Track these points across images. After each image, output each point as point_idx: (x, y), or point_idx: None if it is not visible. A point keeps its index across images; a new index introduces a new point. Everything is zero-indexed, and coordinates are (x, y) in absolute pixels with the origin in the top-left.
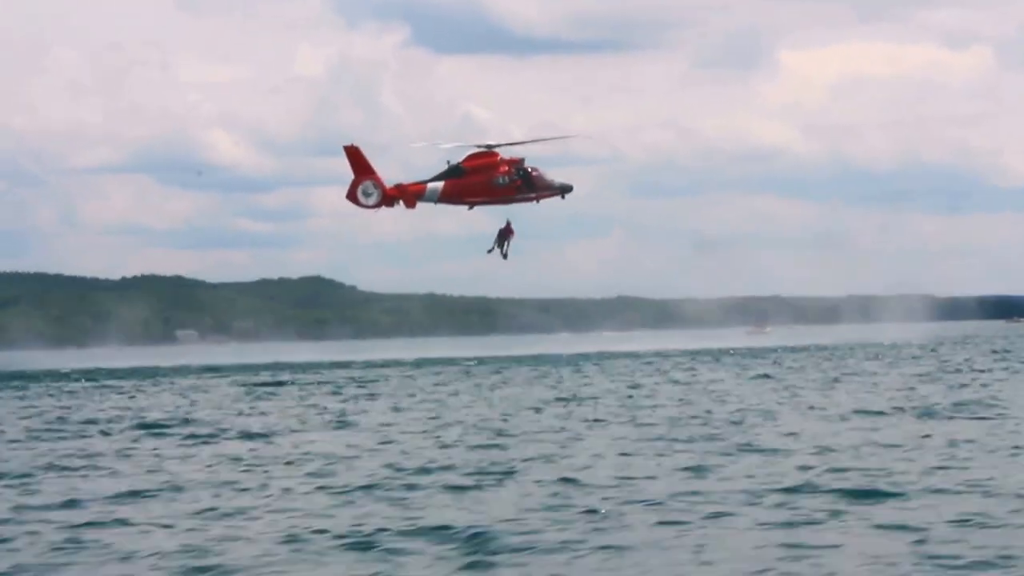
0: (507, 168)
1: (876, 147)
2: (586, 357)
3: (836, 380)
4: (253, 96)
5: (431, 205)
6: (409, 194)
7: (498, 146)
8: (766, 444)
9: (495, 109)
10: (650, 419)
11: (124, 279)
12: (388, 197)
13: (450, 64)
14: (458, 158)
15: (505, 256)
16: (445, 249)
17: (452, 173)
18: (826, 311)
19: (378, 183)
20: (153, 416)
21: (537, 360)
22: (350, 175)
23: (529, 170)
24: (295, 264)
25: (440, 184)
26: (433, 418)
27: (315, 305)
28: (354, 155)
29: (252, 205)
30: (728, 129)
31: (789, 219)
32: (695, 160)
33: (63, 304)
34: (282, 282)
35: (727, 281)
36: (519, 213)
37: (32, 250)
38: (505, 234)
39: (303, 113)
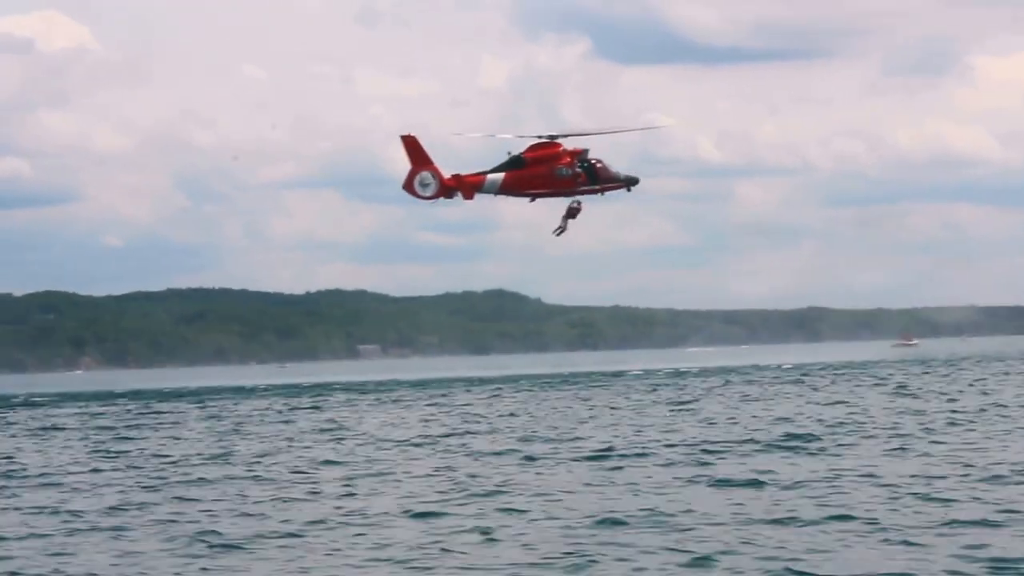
0: (569, 159)
1: None
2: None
3: None
4: (436, 108)
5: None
6: (467, 185)
7: (562, 136)
8: None
9: (680, 119)
10: None
11: (308, 294)
12: (446, 188)
13: (634, 75)
14: (519, 149)
15: (561, 232)
16: (631, 261)
17: (513, 164)
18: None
19: (436, 174)
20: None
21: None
22: None
23: (593, 161)
24: (480, 277)
25: (500, 175)
26: None
27: (499, 318)
28: (411, 145)
29: (436, 219)
30: (920, 137)
31: (984, 227)
32: (886, 169)
33: (248, 319)
34: (466, 296)
35: (919, 291)
36: (707, 220)
37: (218, 266)
38: (573, 212)
39: (486, 125)
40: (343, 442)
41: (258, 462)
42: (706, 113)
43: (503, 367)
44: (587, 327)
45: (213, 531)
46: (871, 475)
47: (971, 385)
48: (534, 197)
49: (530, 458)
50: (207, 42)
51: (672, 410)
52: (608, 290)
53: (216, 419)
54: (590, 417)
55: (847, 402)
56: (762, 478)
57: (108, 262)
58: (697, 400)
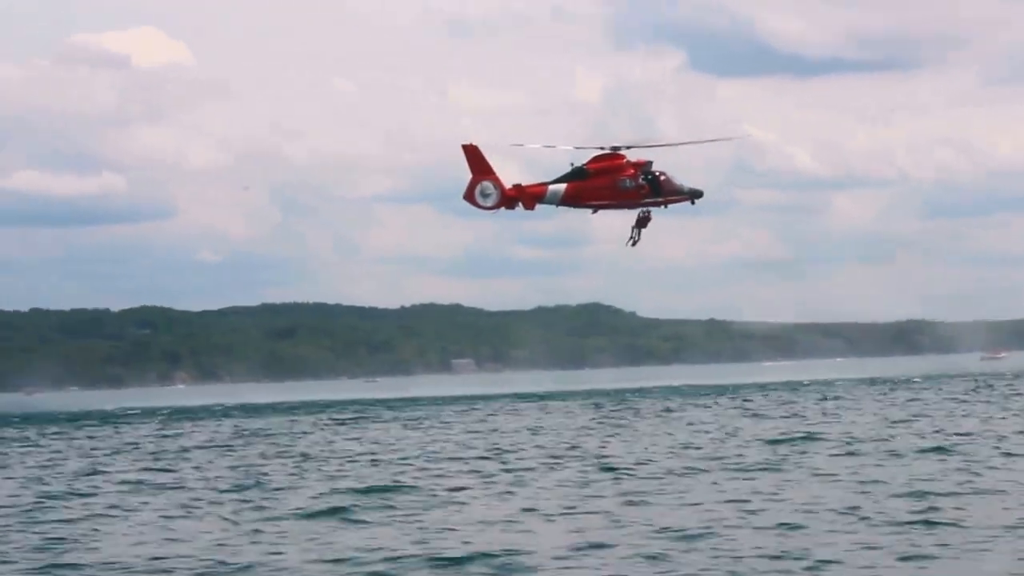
0: (633, 171)
1: None
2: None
3: None
4: (529, 121)
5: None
6: (528, 196)
7: (626, 148)
8: None
9: (775, 131)
10: None
11: (403, 308)
12: (507, 198)
13: (728, 87)
14: (583, 160)
15: (634, 243)
16: (726, 273)
17: (575, 175)
18: None
19: (497, 184)
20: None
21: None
22: None
23: (657, 174)
24: (574, 291)
25: (562, 186)
26: None
27: (592, 332)
28: (473, 154)
29: (530, 232)
30: (1018, 147)
31: None
32: (982, 179)
33: (340, 334)
34: (559, 309)
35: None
36: (802, 232)
37: (311, 280)
38: (643, 222)
39: (579, 138)
40: None
41: None
42: (801, 125)
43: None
44: (680, 340)
45: None
46: None
47: None
48: (596, 209)
49: None
50: (300, 57)
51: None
52: (703, 303)
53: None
54: None
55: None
56: None
57: (202, 277)
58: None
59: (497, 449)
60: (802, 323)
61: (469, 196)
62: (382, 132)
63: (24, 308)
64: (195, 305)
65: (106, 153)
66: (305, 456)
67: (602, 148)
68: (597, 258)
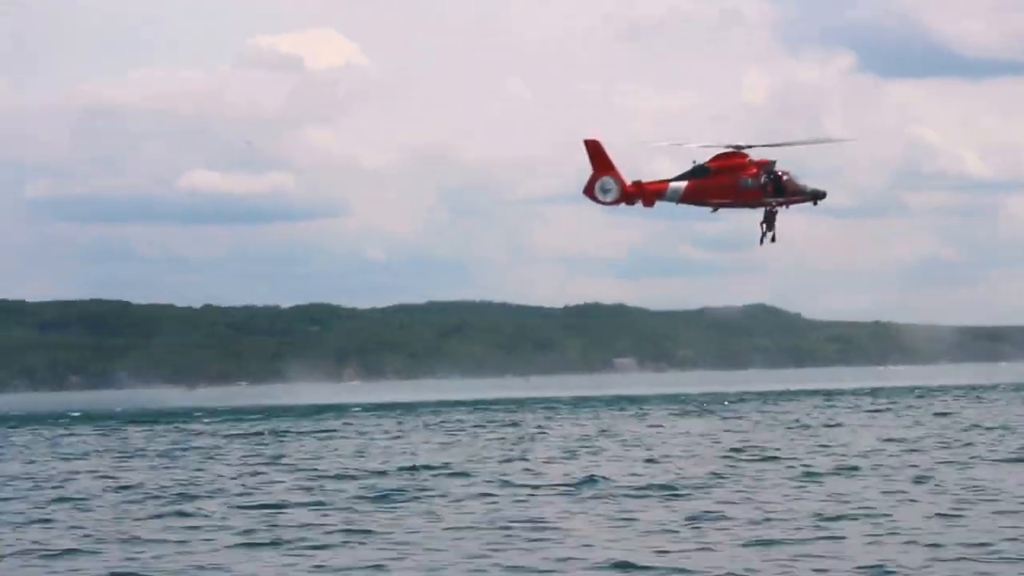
0: (755, 170)
1: None
2: None
3: None
4: (698, 123)
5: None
6: (648, 193)
7: (749, 147)
8: None
9: (945, 133)
10: None
11: (567, 307)
12: (627, 195)
13: (898, 89)
14: (705, 158)
15: (773, 239)
16: (894, 276)
17: (696, 173)
18: None
19: (618, 179)
20: None
21: None
22: None
23: (779, 173)
24: (740, 292)
25: (683, 184)
26: None
27: (757, 333)
28: (595, 150)
29: (697, 233)
30: None
31: None
32: None
33: (506, 332)
34: (725, 310)
35: None
36: (973, 236)
37: (478, 279)
38: (769, 218)
39: (748, 141)
40: None
41: None
42: (971, 127)
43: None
44: (846, 343)
45: None
46: None
47: None
48: (717, 207)
49: None
50: (472, 59)
51: None
52: (870, 305)
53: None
54: None
55: None
56: None
57: (371, 275)
58: None
59: None
60: (969, 326)
61: (589, 191)
62: (552, 134)
63: (197, 304)
64: (363, 303)
65: (279, 153)
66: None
67: (726, 147)
68: (765, 259)
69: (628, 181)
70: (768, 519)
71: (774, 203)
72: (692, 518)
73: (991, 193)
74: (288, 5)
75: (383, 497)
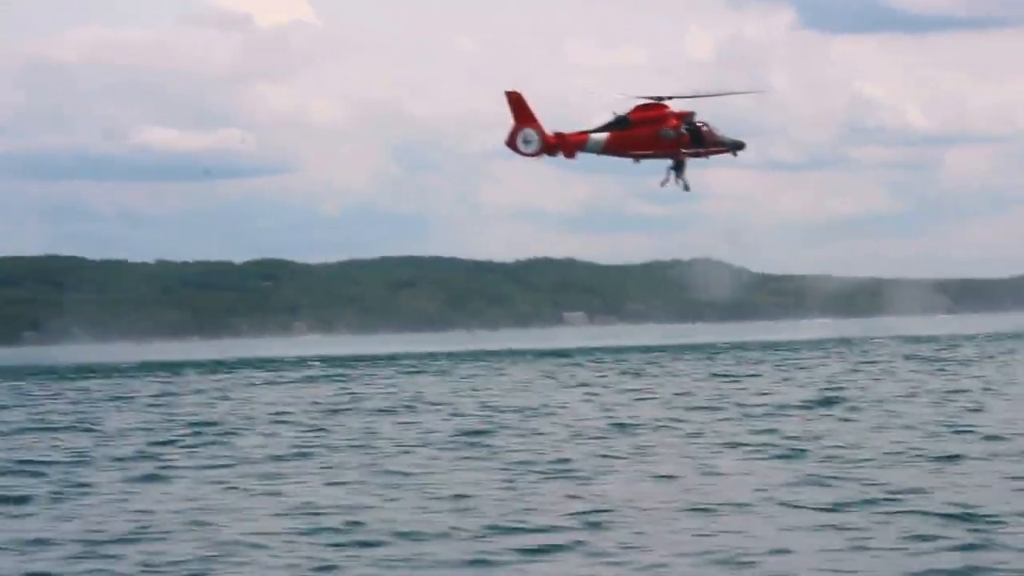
0: (676, 121)
1: None
2: None
3: None
4: (644, 79)
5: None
6: (570, 144)
7: (668, 98)
8: None
9: (888, 88)
10: None
11: (518, 262)
12: (548, 146)
13: (841, 44)
14: (626, 109)
15: (686, 188)
16: (839, 230)
17: (617, 124)
18: None
19: (539, 131)
20: None
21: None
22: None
23: (699, 125)
24: (687, 246)
25: (604, 135)
26: None
27: (705, 287)
28: (516, 102)
29: (648, 188)
30: None
31: None
32: None
33: (457, 286)
34: (673, 264)
35: None
36: (915, 189)
37: (430, 234)
38: (678, 166)
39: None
40: None
41: None
42: (915, 82)
43: None
44: (795, 296)
45: None
46: None
47: None
48: (638, 158)
49: None
50: (420, 15)
51: None
52: (815, 259)
53: None
54: None
55: None
56: None
57: (324, 231)
58: None
59: None
60: (912, 279)
61: (511, 142)
62: (502, 90)
63: (151, 260)
64: (316, 258)
65: (230, 110)
66: None
67: (646, 98)
68: (713, 214)
69: (550, 132)
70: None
71: (694, 154)
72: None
73: (934, 146)
74: None
75: None
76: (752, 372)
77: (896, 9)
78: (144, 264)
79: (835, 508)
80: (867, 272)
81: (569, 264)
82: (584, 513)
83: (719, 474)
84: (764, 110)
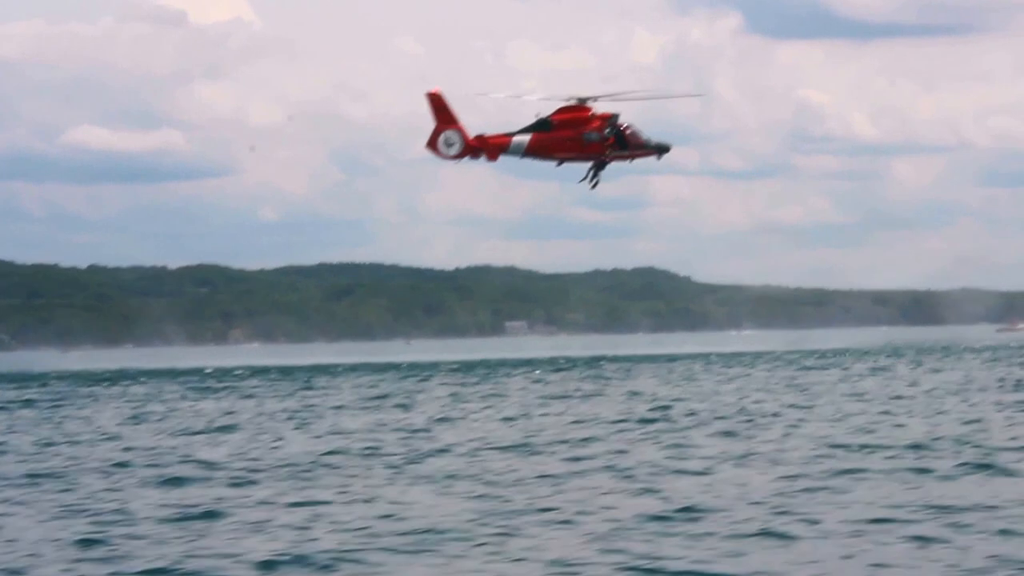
0: (598, 123)
1: None
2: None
3: None
4: (588, 83)
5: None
6: (492, 146)
7: (592, 99)
8: None
9: (834, 95)
10: None
11: (458, 269)
12: (470, 148)
13: (787, 50)
14: (548, 111)
15: (594, 186)
16: (783, 240)
17: (539, 126)
18: None
19: (461, 133)
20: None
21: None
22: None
23: (622, 127)
24: (630, 255)
25: (526, 137)
26: None
27: (648, 296)
28: (437, 103)
29: (590, 195)
30: None
31: None
32: None
33: (397, 295)
34: (615, 273)
35: None
36: (861, 199)
37: (370, 240)
38: (598, 166)
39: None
40: None
41: None
42: (860, 90)
43: None
44: (736, 306)
45: None
46: None
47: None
48: (561, 161)
49: None
50: (362, 16)
51: None
52: (758, 269)
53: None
54: None
55: None
56: None
57: (262, 236)
58: None
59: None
60: (854, 290)
61: (432, 145)
62: (444, 93)
63: (83, 265)
64: (254, 264)
65: (166, 110)
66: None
67: (568, 99)
68: (656, 222)
69: (471, 135)
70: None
71: (618, 156)
72: None
73: (879, 156)
74: None
75: None
76: (594, 391)
77: (842, 15)
78: (75, 269)
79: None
80: (811, 283)
81: (510, 272)
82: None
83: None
84: (709, 117)
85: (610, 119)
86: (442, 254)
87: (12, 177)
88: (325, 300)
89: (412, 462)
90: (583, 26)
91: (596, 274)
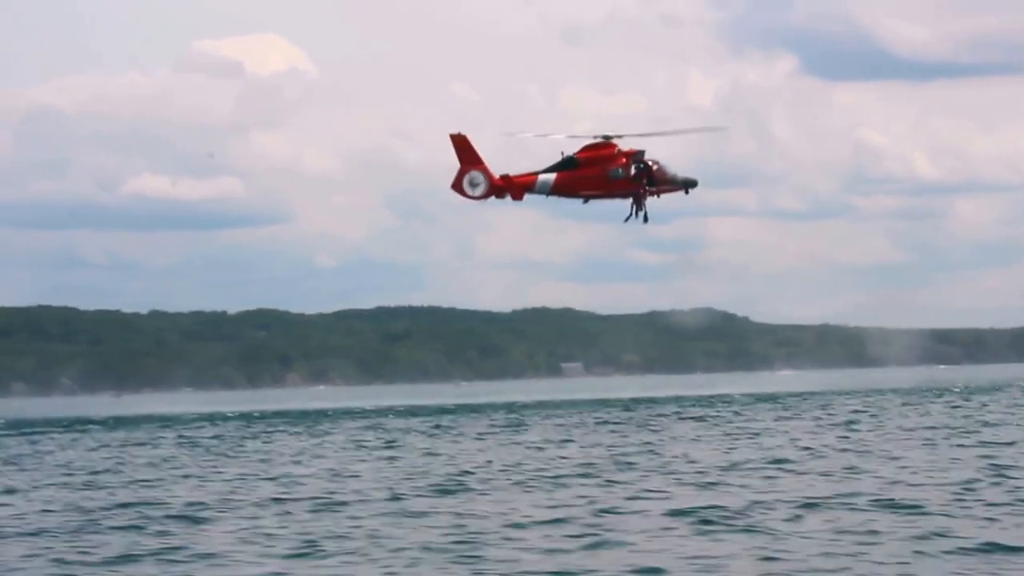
0: (624, 160)
1: None
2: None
3: None
4: (643, 127)
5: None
6: (517, 186)
7: (617, 137)
8: None
9: (892, 135)
10: None
11: (514, 312)
12: (496, 188)
13: (843, 92)
14: (574, 149)
15: (645, 220)
16: (843, 279)
17: (565, 165)
18: None
19: (486, 173)
20: None
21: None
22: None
23: (649, 163)
24: (688, 295)
25: (552, 176)
26: None
27: (706, 337)
28: (461, 144)
29: (646, 236)
30: None
31: None
32: None
33: (453, 338)
34: (672, 314)
35: None
36: (922, 238)
37: (428, 284)
38: (637, 199)
39: (695, 143)
40: None
41: None
42: (919, 130)
43: None
44: (794, 346)
45: None
46: None
47: None
48: (587, 199)
49: None
50: (417, 63)
51: None
52: (819, 309)
53: None
54: None
55: None
56: None
57: (319, 281)
58: None
59: None
60: (916, 328)
61: (457, 186)
62: (497, 137)
63: (144, 311)
64: (311, 308)
65: (226, 159)
66: None
67: (595, 137)
68: (714, 263)
69: (496, 175)
70: None
71: (645, 193)
72: None
73: (940, 195)
74: (229, 9)
75: None
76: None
77: (897, 57)
78: (137, 315)
79: None
80: (871, 322)
81: (566, 314)
82: None
83: None
84: (767, 158)
85: (635, 155)
86: (497, 297)
87: (75, 226)
88: (381, 343)
89: None
90: (636, 70)
91: (653, 315)
